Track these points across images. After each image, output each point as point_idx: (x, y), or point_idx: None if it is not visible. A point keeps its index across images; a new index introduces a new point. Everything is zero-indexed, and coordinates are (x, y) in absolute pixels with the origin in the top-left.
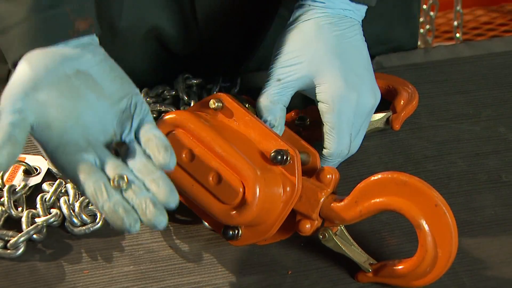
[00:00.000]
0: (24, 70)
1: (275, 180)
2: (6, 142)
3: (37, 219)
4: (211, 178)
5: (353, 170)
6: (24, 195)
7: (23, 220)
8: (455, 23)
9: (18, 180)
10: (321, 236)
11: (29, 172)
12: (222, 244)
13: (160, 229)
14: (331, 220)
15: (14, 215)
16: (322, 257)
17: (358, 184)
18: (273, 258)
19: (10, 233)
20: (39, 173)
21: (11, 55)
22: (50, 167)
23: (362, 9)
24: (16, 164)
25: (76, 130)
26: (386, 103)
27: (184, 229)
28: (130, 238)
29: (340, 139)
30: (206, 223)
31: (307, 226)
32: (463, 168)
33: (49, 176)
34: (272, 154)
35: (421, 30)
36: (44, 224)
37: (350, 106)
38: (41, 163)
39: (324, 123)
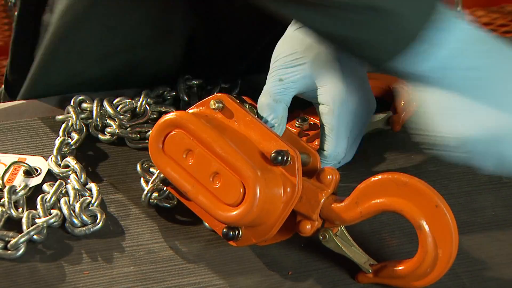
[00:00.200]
0: None
1: (276, 181)
2: None
3: (37, 220)
4: (211, 179)
5: (353, 170)
6: (24, 196)
7: (24, 220)
8: None
9: (19, 181)
10: (322, 237)
11: (29, 173)
12: (222, 244)
13: None
14: (332, 220)
15: (15, 216)
16: (322, 258)
17: (359, 185)
18: (273, 259)
19: (11, 233)
20: (39, 174)
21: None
22: (51, 168)
23: None
24: (16, 165)
25: None
26: (386, 103)
27: (184, 230)
28: (131, 239)
29: (338, 141)
30: (206, 224)
31: (307, 226)
32: (463, 169)
33: (50, 176)
34: (273, 154)
35: None
36: (45, 225)
37: (349, 109)
38: (42, 164)
39: (323, 125)
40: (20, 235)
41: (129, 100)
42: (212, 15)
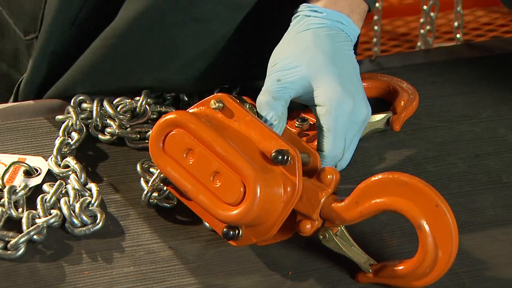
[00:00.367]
0: None
1: (276, 180)
2: None
3: (37, 220)
4: (211, 178)
5: (354, 170)
6: (24, 196)
7: (24, 221)
8: (456, 24)
9: (19, 181)
10: (322, 237)
11: (29, 173)
12: (222, 244)
13: None
14: (332, 220)
15: (15, 216)
16: (322, 258)
17: (359, 185)
18: (273, 259)
19: (11, 234)
20: (39, 174)
21: None
22: (51, 168)
23: (355, 30)
24: (16, 165)
25: None
26: (386, 104)
27: (184, 230)
28: (131, 239)
29: (336, 142)
30: (206, 224)
31: (307, 226)
32: (463, 169)
33: (50, 177)
34: (273, 154)
35: (422, 31)
36: (45, 225)
37: (346, 110)
38: (42, 164)
39: (320, 126)
40: (20, 235)
41: (129, 100)
42: None
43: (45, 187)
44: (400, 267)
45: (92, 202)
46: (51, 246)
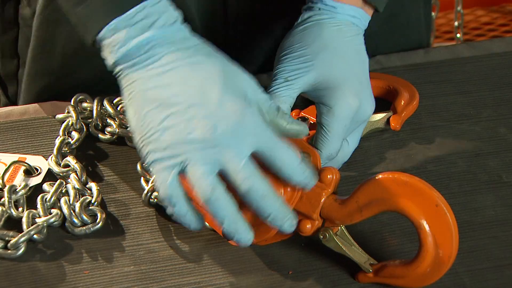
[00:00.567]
0: None
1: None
2: None
3: (37, 219)
4: None
5: (354, 170)
6: (24, 195)
7: (24, 220)
8: (456, 23)
9: (19, 181)
10: (322, 237)
11: (29, 172)
12: (222, 244)
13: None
14: (332, 220)
15: (15, 215)
16: (322, 258)
17: (359, 185)
18: (273, 259)
19: (11, 233)
20: (39, 173)
21: (95, 25)
22: (51, 167)
23: (367, 19)
24: (16, 165)
25: None
26: (386, 103)
27: (185, 229)
28: (131, 238)
29: (333, 143)
30: (206, 223)
31: (307, 226)
32: (463, 168)
33: (50, 176)
34: None
35: None
36: (45, 224)
37: (350, 112)
38: (42, 164)
39: (321, 125)
40: (20, 235)
41: None
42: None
43: (45, 186)
44: (400, 267)
45: (92, 201)
46: (51, 246)
